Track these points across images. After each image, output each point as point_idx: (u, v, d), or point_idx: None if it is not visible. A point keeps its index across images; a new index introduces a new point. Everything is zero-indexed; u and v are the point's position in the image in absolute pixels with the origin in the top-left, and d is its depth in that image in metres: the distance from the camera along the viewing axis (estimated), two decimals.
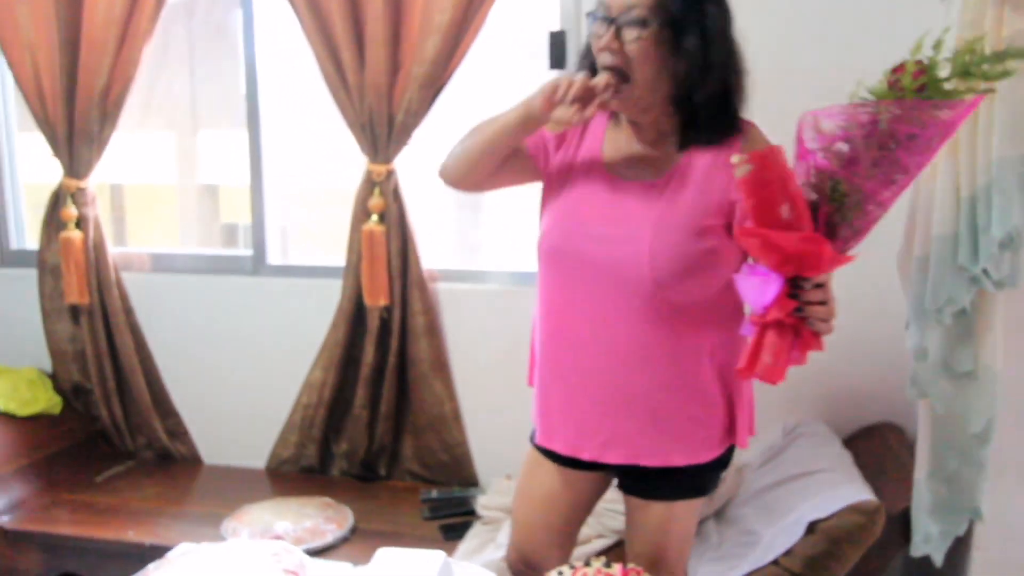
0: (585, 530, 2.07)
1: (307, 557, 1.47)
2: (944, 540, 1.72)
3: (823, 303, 1.15)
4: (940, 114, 1.06)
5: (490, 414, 2.42)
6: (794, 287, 1.14)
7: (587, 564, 1.28)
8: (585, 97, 1.26)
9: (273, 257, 2.60)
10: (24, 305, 2.68)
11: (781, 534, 1.75)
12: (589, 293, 1.35)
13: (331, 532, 2.12)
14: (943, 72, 1.06)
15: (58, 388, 2.67)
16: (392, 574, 1.28)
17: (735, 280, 1.20)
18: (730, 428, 1.42)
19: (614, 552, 2.03)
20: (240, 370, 2.61)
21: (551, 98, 1.27)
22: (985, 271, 1.59)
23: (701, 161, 1.33)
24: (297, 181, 2.77)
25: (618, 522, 2.04)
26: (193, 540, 1.61)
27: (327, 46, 2.24)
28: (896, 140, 1.07)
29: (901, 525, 1.76)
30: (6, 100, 2.72)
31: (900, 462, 1.88)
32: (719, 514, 2.07)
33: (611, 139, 1.40)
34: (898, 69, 1.08)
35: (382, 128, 2.24)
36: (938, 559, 1.72)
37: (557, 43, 2.21)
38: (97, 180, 2.60)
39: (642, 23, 1.25)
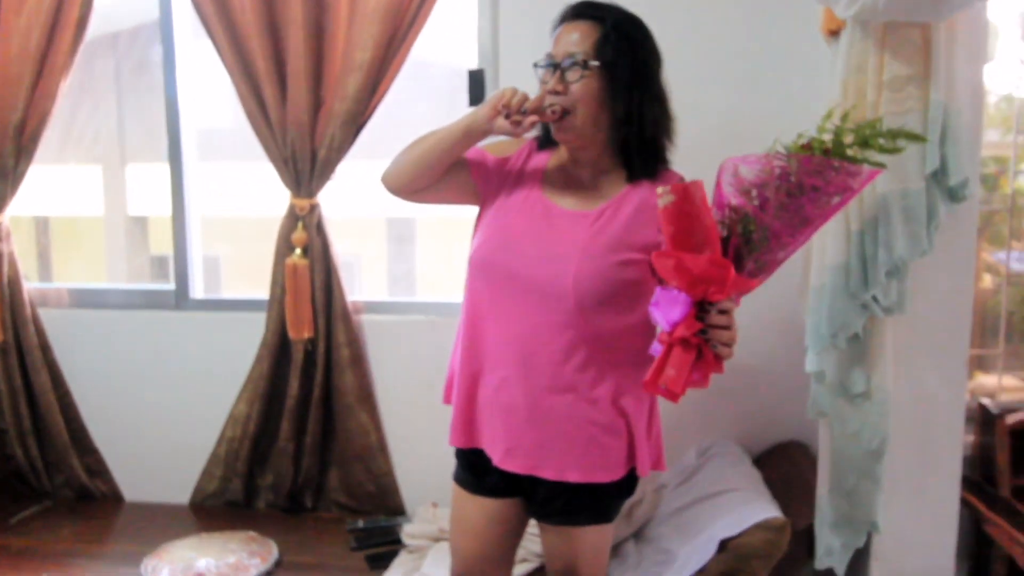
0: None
1: None
2: (845, 552, 1.81)
3: (727, 328, 1.25)
4: (843, 177, 1.21)
5: (416, 443, 2.44)
6: (701, 311, 1.24)
7: None
8: (530, 113, 1.36)
9: (196, 291, 2.58)
10: None
11: (695, 552, 1.81)
12: (512, 307, 1.42)
13: (255, 567, 2.10)
14: (847, 139, 1.22)
15: None
16: None
17: (650, 305, 1.28)
18: (630, 456, 1.47)
19: (537, 574, 2.07)
20: (163, 405, 2.58)
21: (496, 107, 1.36)
22: (875, 298, 1.70)
23: (633, 198, 1.44)
24: (224, 214, 2.76)
25: (539, 545, 2.09)
26: None
27: (249, 82, 2.26)
28: (802, 189, 1.21)
29: (806, 539, 1.85)
30: None
31: (804, 479, 1.97)
32: (638, 534, 2.13)
33: (552, 170, 1.50)
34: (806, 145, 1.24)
35: (305, 163, 2.27)
36: (840, 571, 1.81)
37: (476, 81, 2.27)
38: (18, 213, 2.55)
39: (583, 65, 1.38)
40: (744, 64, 2.22)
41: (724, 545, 1.74)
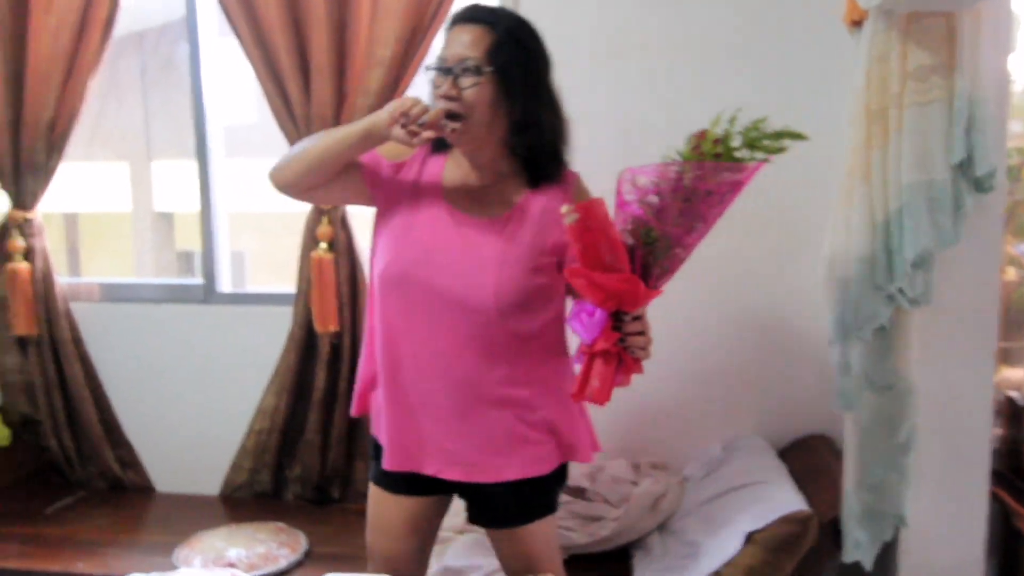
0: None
1: None
2: (873, 546, 1.80)
3: (641, 333, 1.33)
4: (732, 175, 1.29)
5: None
6: (617, 320, 1.31)
7: None
8: (428, 127, 1.36)
9: (224, 285, 2.61)
10: None
11: (721, 545, 1.81)
12: (429, 320, 1.45)
13: (284, 557, 2.14)
14: (735, 143, 1.29)
15: (7, 420, 2.65)
16: None
17: (568, 319, 1.36)
18: (561, 446, 1.54)
19: (565, 567, 2.08)
20: (192, 398, 2.62)
21: (395, 115, 1.36)
22: (900, 290, 1.68)
23: (537, 203, 1.47)
24: (250, 209, 2.80)
25: (567, 539, 2.10)
26: (144, 570, 1.62)
27: (273, 78, 2.29)
28: (697, 194, 1.28)
29: (832, 532, 1.84)
30: None
31: (830, 472, 1.96)
32: (662, 527, 2.13)
33: (450, 176, 1.51)
34: (700, 135, 1.30)
35: None
36: (868, 564, 1.80)
37: None
38: (47, 210, 2.60)
39: (476, 71, 1.39)
40: (763, 56, 2.20)
41: (750, 538, 1.74)
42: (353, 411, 1.65)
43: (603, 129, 2.26)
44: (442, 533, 2.24)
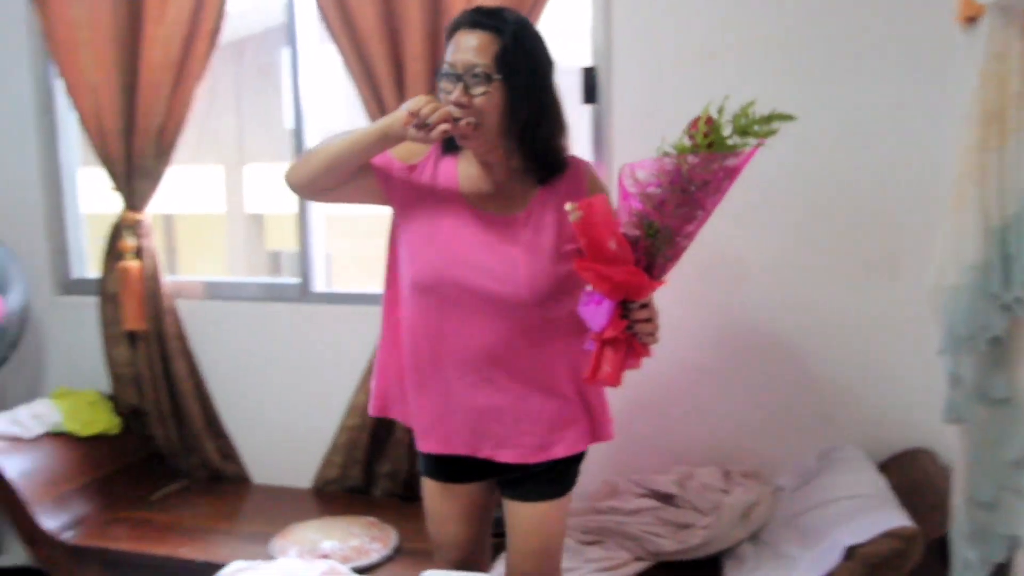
0: (621, 552, 2.12)
1: (355, 575, 1.54)
2: (984, 567, 1.71)
3: (648, 320, 1.40)
4: (726, 162, 1.34)
5: None
6: (625, 308, 1.39)
7: None
8: (438, 123, 1.40)
9: (318, 285, 2.69)
10: (86, 331, 2.81)
11: (818, 558, 1.77)
12: (468, 317, 1.51)
13: (376, 551, 2.18)
14: (726, 131, 1.33)
15: (117, 410, 2.79)
16: None
17: (579, 307, 1.44)
18: (592, 424, 1.65)
19: (652, 574, 2.06)
20: (288, 393, 2.71)
21: (412, 113, 1.39)
22: (1018, 299, 1.60)
23: (553, 194, 1.53)
24: (343, 212, 2.86)
25: (656, 545, 2.08)
26: (244, 558, 1.69)
27: (370, 84, 2.33)
28: (694, 184, 1.33)
29: (938, 551, 1.77)
30: (70, 138, 2.87)
31: (935, 488, 1.89)
32: (754, 537, 2.09)
33: (465, 177, 1.56)
34: (693, 126, 1.34)
35: None
36: None
37: (589, 78, 2.28)
38: (151, 212, 2.73)
39: (487, 78, 1.43)
40: (867, 55, 2.12)
41: (850, 553, 1.69)
42: (373, 411, 1.71)
43: None
44: None
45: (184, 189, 2.61)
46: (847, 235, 2.18)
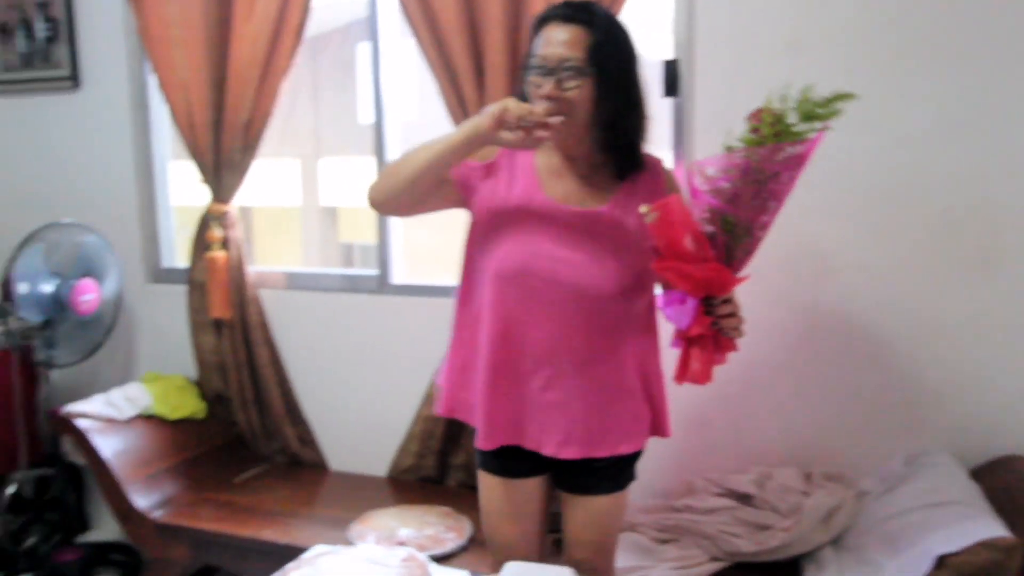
0: (696, 552, 2.10)
1: (434, 564, 1.57)
2: None
3: (732, 315, 1.41)
4: (794, 150, 1.34)
5: None
6: (708, 305, 1.40)
7: None
8: (540, 124, 1.40)
9: (396, 277, 2.73)
10: (174, 319, 2.92)
11: (906, 566, 1.71)
12: (550, 310, 1.52)
13: (451, 541, 2.21)
14: (791, 119, 1.34)
15: (203, 395, 2.89)
16: None
17: (661, 307, 1.45)
18: (654, 420, 1.66)
19: (729, 574, 2.03)
20: (365, 383, 2.76)
21: (501, 118, 1.38)
22: None
23: (634, 190, 1.54)
24: None
25: (733, 545, 2.05)
26: (323, 542, 1.73)
27: (450, 77, 2.35)
28: (765, 175, 1.33)
29: None
30: (162, 132, 2.98)
31: None
32: (836, 541, 2.04)
33: (545, 171, 1.55)
34: (755, 116, 1.36)
35: None
36: None
37: (671, 71, 2.24)
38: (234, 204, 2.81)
39: (579, 72, 1.44)
40: (964, 43, 2.03)
41: (941, 562, 1.63)
42: (441, 410, 1.70)
43: None
44: None
45: (261, 182, 2.68)
46: (941, 231, 2.10)
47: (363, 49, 2.68)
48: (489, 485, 1.69)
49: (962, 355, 2.12)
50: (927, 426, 2.15)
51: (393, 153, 2.67)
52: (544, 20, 1.49)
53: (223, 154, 2.70)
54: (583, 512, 1.68)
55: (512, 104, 1.39)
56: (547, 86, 1.44)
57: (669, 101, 2.27)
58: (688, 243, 1.36)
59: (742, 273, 1.45)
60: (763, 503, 2.16)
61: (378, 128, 2.65)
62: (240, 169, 2.71)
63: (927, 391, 2.15)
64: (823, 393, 2.24)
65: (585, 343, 1.54)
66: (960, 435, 2.12)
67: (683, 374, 1.43)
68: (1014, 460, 2.03)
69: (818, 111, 1.33)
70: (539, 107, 1.43)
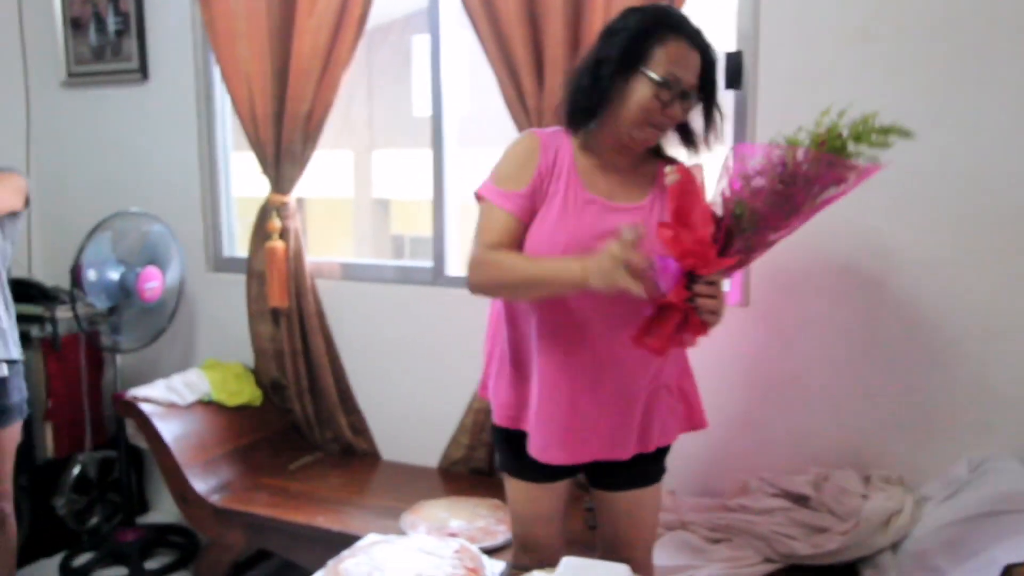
0: (749, 552, 2.07)
1: (485, 556, 1.57)
2: None
3: (713, 297, 1.37)
4: (836, 170, 1.31)
5: None
6: (691, 281, 1.38)
7: None
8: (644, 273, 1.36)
9: (451, 269, 2.74)
10: (233, 307, 2.98)
11: (971, 574, 1.66)
12: (596, 308, 1.50)
13: (501, 533, 2.21)
14: (842, 134, 1.32)
15: (259, 383, 2.94)
16: None
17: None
18: (689, 414, 1.70)
19: None
20: (418, 374, 2.78)
21: (616, 280, 1.32)
22: None
23: (663, 186, 1.51)
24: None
25: (787, 547, 2.02)
26: (375, 530, 1.74)
27: (508, 70, 2.35)
28: (795, 179, 1.32)
29: None
30: (225, 123, 3.05)
31: None
32: (896, 547, 1.99)
33: (586, 170, 1.55)
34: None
35: None
36: None
37: (733, 63, 2.21)
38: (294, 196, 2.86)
39: (694, 99, 1.50)
40: None
41: (1009, 571, 1.58)
42: (503, 420, 1.67)
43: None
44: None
45: (315, 173, 2.73)
46: (1012, 230, 2.03)
47: (420, 41, 2.69)
48: (523, 491, 1.69)
49: None
50: (994, 430, 2.08)
51: (450, 146, 2.69)
52: (669, 29, 1.46)
53: (283, 145, 2.74)
54: (618, 507, 1.70)
55: (633, 256, 1.31)
56: (677, 108, 1.48)
57: (731, 94, 2.24)
58: (695, 213, 1.38)
59: (730, 258, 1.42)
60: (820, 505, 2.11)
61: (436, 121, 2.66)
62: (300, 161, 2.75)
63: (994, 393, 2.08)
64: (884, 393, 2.18)
65: (627, 347, 1.51)
66: None
67: (640, 338, 1.41)
68: None
69: (871, 136, 1.32)
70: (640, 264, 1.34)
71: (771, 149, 1.35)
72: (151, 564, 2.87)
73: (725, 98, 2.21)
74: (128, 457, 2.95)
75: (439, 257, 2.73)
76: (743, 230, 1.37)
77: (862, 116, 1.32)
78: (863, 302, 2.16)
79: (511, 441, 1.66)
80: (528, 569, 1.52)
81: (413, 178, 2.74)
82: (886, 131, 1.32)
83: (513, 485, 1.71)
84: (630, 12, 1.52)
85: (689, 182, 1.39)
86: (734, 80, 2.21)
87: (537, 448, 1.60)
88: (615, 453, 1.61)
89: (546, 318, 1.56)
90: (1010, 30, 1.97)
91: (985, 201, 2.04)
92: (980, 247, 2.06)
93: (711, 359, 2.19)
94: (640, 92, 1.46)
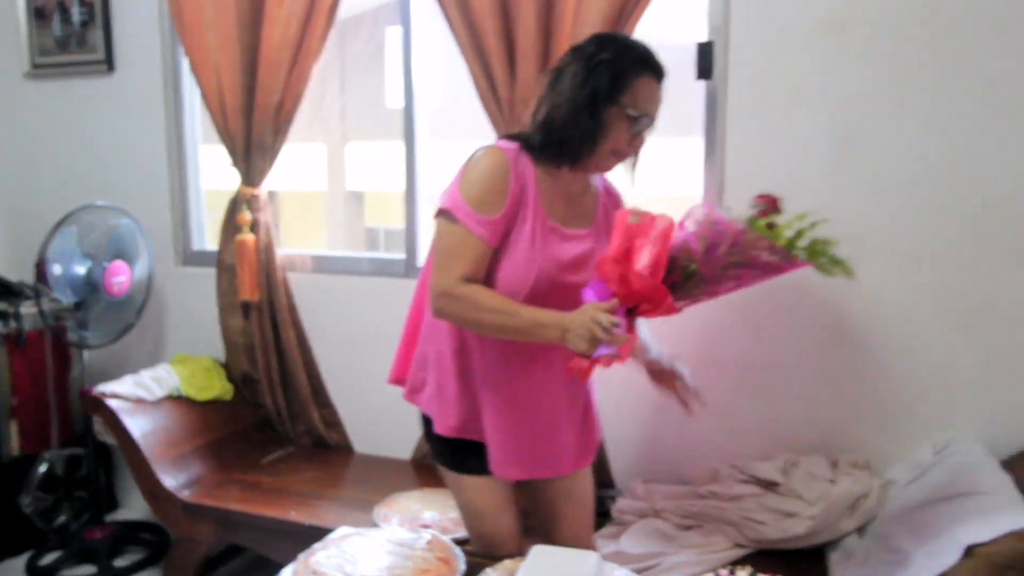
0: (719, 538, 2.09)
1: (457, 547, 1.57)
2: None
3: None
4: (779, 260, 1.40)
5: (626, 419, 2.46)
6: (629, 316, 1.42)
7: (732, 573, 1.35)
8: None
9: (423, 260, 2.73)
10: (203, 300, 2.95)
11: (934, 555, 1.68)
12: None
13: None
14: (803, 242, 1.40)
15: (230, 377, 2.92)
16: (548, 571, 1.35)
17: (585, 290, 1.45)
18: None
19: (752, 561, 2.02)
20: (390, 366, 2.76)
21: (595, 338, 1.36)
22: None
23: (605, 212, 1.65)
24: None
25: (757, 532, 2.04)
26: (347, 523, 1.74)
27: (481, 61, 2.35)
28: (747, 259, 1.40)
29: None
30: (193, 116, 3.01)
31: None
32: (862, 530, 2.02)
33: (547, 193, 1.57)
34: (771, 204, 1.41)
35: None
36: None
37: (704, 54, 2.23)
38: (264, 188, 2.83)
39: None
40: (1014, 27, 1.99)
41: (971, 551, 1.61)
42: (449, 431, 1.69)
43: (816, 108, 2.15)
44: (626, 517, 2.26)
45: (288, 166, 2.70)
46: (979, 218, 2.07)
47: (393, 33, 2.68)
48: (479, 486, 1.70)
49: (995, 344, 2.09)
50: (958, 415, 2.13)
51: (422, 138, 2.68)
52: (643, 67, 1.52)
53: (253, 137, 2.72)
54: (562, 491, 1.79)
55: (610, 325, 1.35)
56: (640, 140, 1.55)
57: (702, 84, 2.26)
58: (647, 256, 1.40)
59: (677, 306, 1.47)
60: (788, 490, 2.14)
61: (408, 113, 2.65)
62: (270, 153, 2.73)
63: (957, 379, 2.13)
64: (851, 381, 2.22)
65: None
66: (992, 425, 2.09)
67: (571, 365, 1.42)
68: None
69: (822, 260, 1.40)
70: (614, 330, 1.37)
71: (733, 223, 1.39)
72: (120, 562, 2.84)
73: (697, 88, 2.26)
74: (96, 454, 2.91)
75: (411, 249, 2.73)
76: (686, 289, 1.43)
77: (824, 239, 1.41)
78: (831, 291, 2.19)
79: (459, 446, 1.68)
80: (495, 558, 1.53)
81: (387, 170, 2.73)
82: (836, 262, 1.41)
83: (462, 482, 1.71)
84: (607, 42, 1.53)
85: (651, 228, 1.42)
86: (705, 70, 2.23)
87: (497, 464, 1.64)
88: (564, 469, 1.72)
89: (492, 349, 1.59)
90: (978, 20, 2.00)
91: (953, 190, 2.07)
92: (947, 236, 2.10)
93: (683, 349, 2.22)
94: (617, 125, 1.51)
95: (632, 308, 1.43)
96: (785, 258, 1.40)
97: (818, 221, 1.40)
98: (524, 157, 1.55)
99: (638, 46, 1.54)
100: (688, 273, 1.42)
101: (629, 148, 1.55)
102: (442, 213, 1.54)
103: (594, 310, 1.38)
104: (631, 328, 1.41)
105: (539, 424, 1.64)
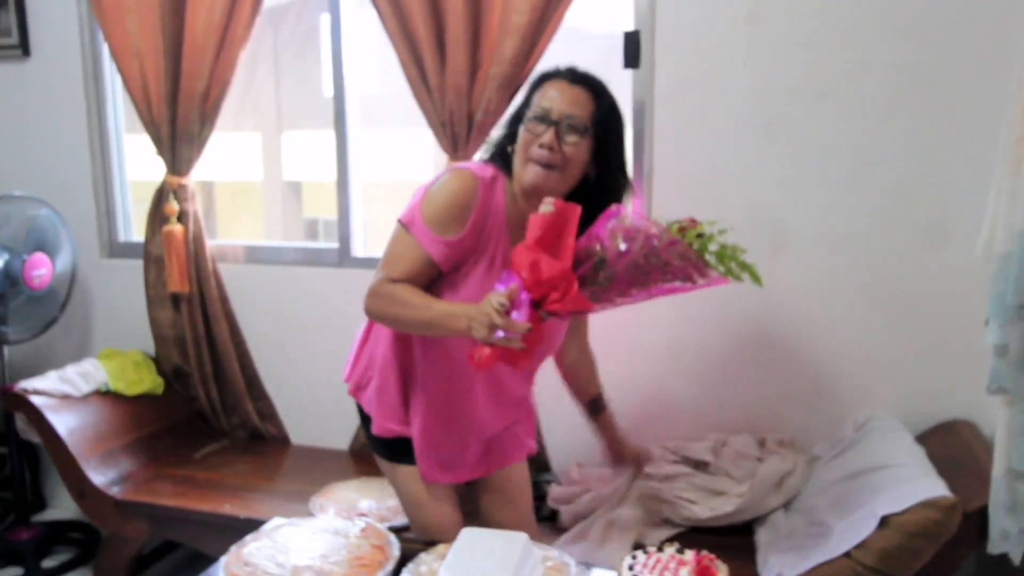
0: (653, 518, 2.14)
1: (392, 535, 1.58)
2: (1021, 538, 1.70)
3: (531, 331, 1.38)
4: (690, 267, 1.42)
5: (560, 403, 2.48)
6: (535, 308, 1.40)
7: (660, 550, 1.39)
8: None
9: (357, 250, 2.71)
10: (131, 293, 2.88)
11: (853, 527, 1.76)
12: (473, 345, 1.53)
13: None
14: (713, 247, 1.41)
15: (161, 371, 2.86)
16: (477, 553, 1.37)
17: (497, 283, 1.45)
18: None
19: (683, 539, 2.07)
20: (326, 356, 2.73)
21: (493, 325, 1.37)
22: None
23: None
24: (378, 177, 2.88)
25: (689, 511, 2.09)
26: (283, 515, 1.73)
27: (410, 48, 2.33)
28: (658, 259, 1.40)
29: (977, 522, 1.75)
30: (116, 104, 2.92)
31: (975, 458, 1.87)
32: (788, 505, 2.09)
33: (512, 220, 1.58)
34: (691, 224, 1.43)
35: (461, 127, 2.33)
36: (1016, 557, 1.71)
37: (631, 43, 2.25)
38: (194, 177, 2.77)
39: (582, 130, 1.51)
40: (918, 16, 2.07)
41: (885, 521, 1.68)
42: (383, 433, 1.74)
43: (738, 96, 2.20)
44: (561, 506, 2.29)
45: (222, 156, 2.63)
46: (894, 201, 2.15)
47: (326, 20, 2.64)
48: (412, 475, 1.73)
49: (911, 324, 2.18)
50: (877, 393, 2.21)
51: (353, 127, 2.65)
52: (548, 77, 1.55)
53: (179, 126, 2.65)
54: (508, 481, 1.83)
55: (497, 316, 1.36)
56: (547, 135, 1.49)
57: (629, 73, 2.28)
58: (556, 249, 1.41)
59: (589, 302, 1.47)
60: (719, 470, 2.20)
61: (338, 102, 2.62)
62: (198, 141, 2.67)
63: (877, 359, 2.21)
64: (777, 362, 2.29)
65: (507, 378, 1.69)
66: (908, 401, 2.18)
67: (472, 353, 1.41)
68: (957, 424, 2.10)
69: (732, 264, 1.43)
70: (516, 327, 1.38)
71: (648, 223, 1.42)
72: (48, 563, 2.76)
73: (623, 79, 2.28)
74: (20, 453, 2.81)
75: (344, 238, 2.70)
76: (596, 283, 1.43)
77: (733, 245, 1.43)
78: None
79: (396, 442, 1.72)
80: (434, 544, 1.54)
81: (324, 160, 2.69)
82: (745, 267, 1.43)
83: (403, 473, 1.74)
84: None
85: (562, 217, 1.41)
86: (632, 59, 2.26)
87: (424, 471, 1.69)
88: (484, 473, 1.80)
89: (432, 352, 1.62)
90: (889, 13, 2.07)
91: (868, 175, 2.15)
92: (863, 220, 2.17)
93: (619, 336, 2.26)
94: (522, 133, 1.54)
95: (540, 301, 1.41)
96: (696, 263, 1.41)
97: (725, 229, 1.44)
98: (498, 179, 1.58)
99: (554, 68, 1.59)
100: (598, 267, 1.43)
101: (539, 149, 1.50)
102: (400, 224, 1.58)
103: (493, 295, 1.38)
104: (537, 320, 1.40)
105: (466, 431, 1.70)
